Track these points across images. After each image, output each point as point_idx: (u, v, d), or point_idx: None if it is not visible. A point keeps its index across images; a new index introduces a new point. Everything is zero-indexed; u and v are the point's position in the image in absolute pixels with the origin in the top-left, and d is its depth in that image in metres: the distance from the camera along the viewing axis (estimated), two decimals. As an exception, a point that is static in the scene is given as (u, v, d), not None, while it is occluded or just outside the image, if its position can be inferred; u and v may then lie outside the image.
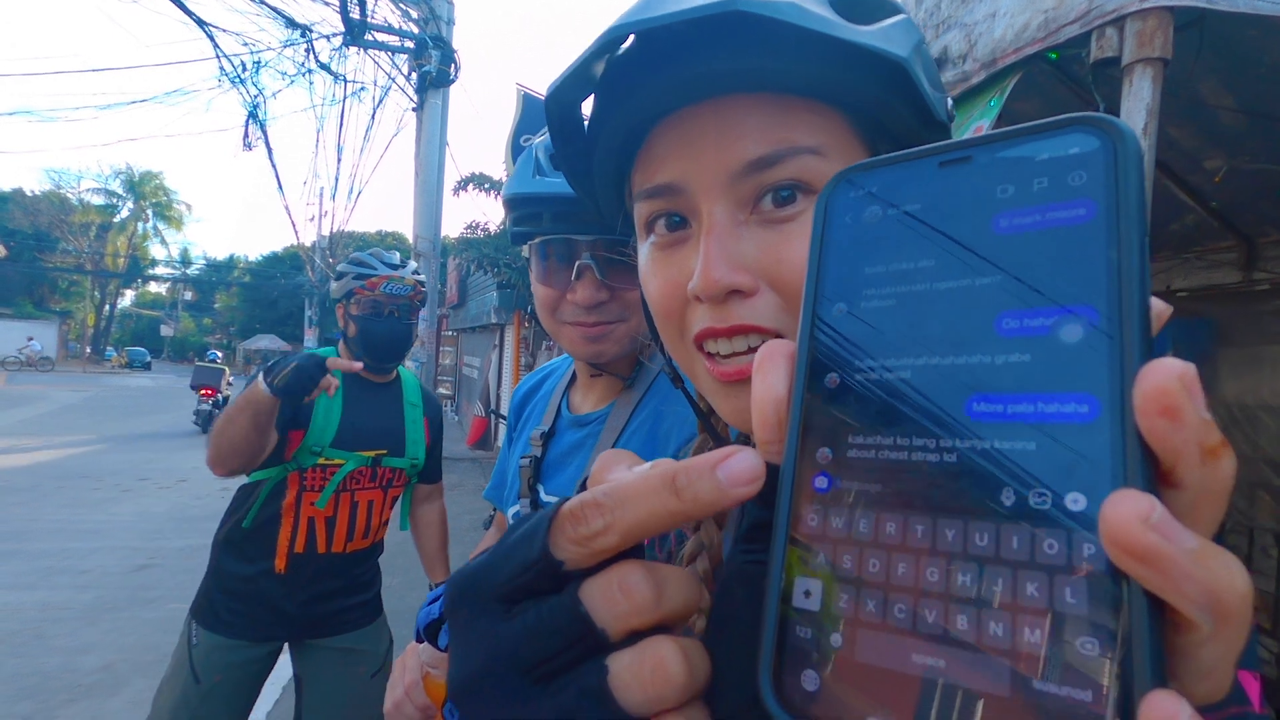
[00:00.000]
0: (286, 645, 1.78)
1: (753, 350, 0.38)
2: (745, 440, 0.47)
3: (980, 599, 0.17)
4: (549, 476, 0.96)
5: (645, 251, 0.43)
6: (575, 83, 0.40)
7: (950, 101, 0.43)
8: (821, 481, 0.21)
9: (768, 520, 0.23)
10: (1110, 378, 0.17)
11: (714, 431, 0.48)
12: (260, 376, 1.49)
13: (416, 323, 1.86)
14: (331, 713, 1.76)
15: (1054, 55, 1.31)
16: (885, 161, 0.24)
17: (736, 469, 0.21)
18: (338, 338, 1.92)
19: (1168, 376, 0.16)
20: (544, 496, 0.95)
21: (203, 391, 13.07)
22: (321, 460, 1.68)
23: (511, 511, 1.02)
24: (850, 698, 0.19)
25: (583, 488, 0.25)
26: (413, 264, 1.87)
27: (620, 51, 0.39)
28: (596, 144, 0.44)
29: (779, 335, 0.38)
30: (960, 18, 1.39)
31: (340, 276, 1.83)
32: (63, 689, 3.30)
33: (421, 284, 1.84)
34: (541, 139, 0.90)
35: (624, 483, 0.23)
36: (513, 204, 0.87)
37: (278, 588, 1.68)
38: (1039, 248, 0.19)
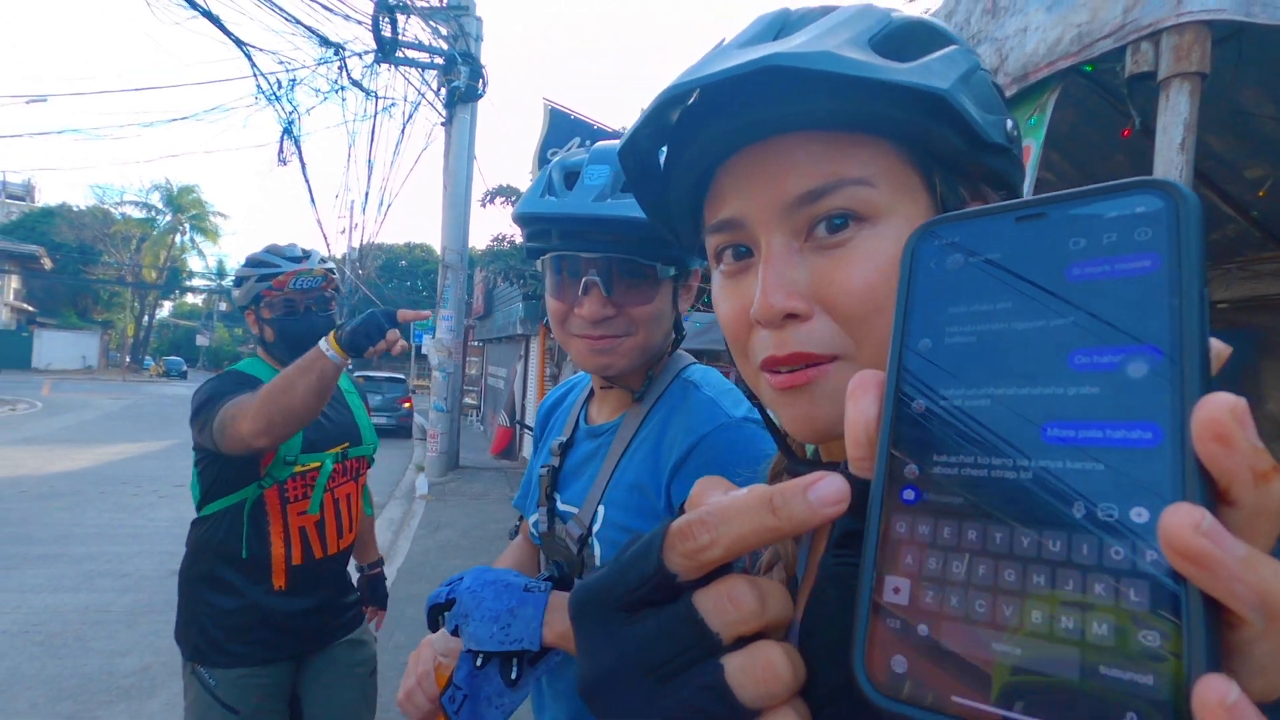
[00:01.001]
0: None
1: (810, 367, 0.42)
2: (817, 457, 0.49)
3: (1053, 597, 0.20)
4: (565, 485, 0.99)
5: (716, 280, 0.47)
6: (648, 133, 0.45)
7: (1011, 122, 0.43)
8: (909, 494, 0.23)
9: (857, 529, 0.25)
10: (1172, 408, 0.19)
11: (790, 451, 0.50)
12: (323, 342, 1.44)
13: (336, 313, 1.77)
14: (338, 715, 1.74)
15: (1089, 68, 1.30)
16: (966, 215, 0.26)
17: (825, 491, 0.24)
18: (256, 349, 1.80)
19: (1221, 408, 0.18)
20: (560, 505, 0.98)
21: None
22: (298, 468, 1.62)
23: (532, 519, 1.04)
24: (936, 679, 0.21)
25: (680, 510, 0.28)
26: (318, 253, 1.77)
27: (688, 103, 0.43)
28: (670, 184, 0.48)
29: (833, 357, 0.41)
30: (990, 32, 1.38)
31: (241, 282, 1.70)
32: (102, 690, 3.38)
33: (332, 272, 1.74)
34: (559, 157, 0.93)
35: (725, 503, 0.25)
36: (521, 222, 0.91)
37: (281, 605, 1.62)
38: (1108, 294, 0.22)
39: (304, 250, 1.76)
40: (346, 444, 1.75)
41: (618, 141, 0.92)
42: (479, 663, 0.74)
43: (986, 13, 1.40)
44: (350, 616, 1.81)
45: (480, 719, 0.75)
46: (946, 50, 0.41)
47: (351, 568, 1.89)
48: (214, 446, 1.51)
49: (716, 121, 0.42)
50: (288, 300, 1.68)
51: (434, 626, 0.79)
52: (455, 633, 0.76)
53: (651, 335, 0.92)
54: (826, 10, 0.43)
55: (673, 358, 0.98)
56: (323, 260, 1.75)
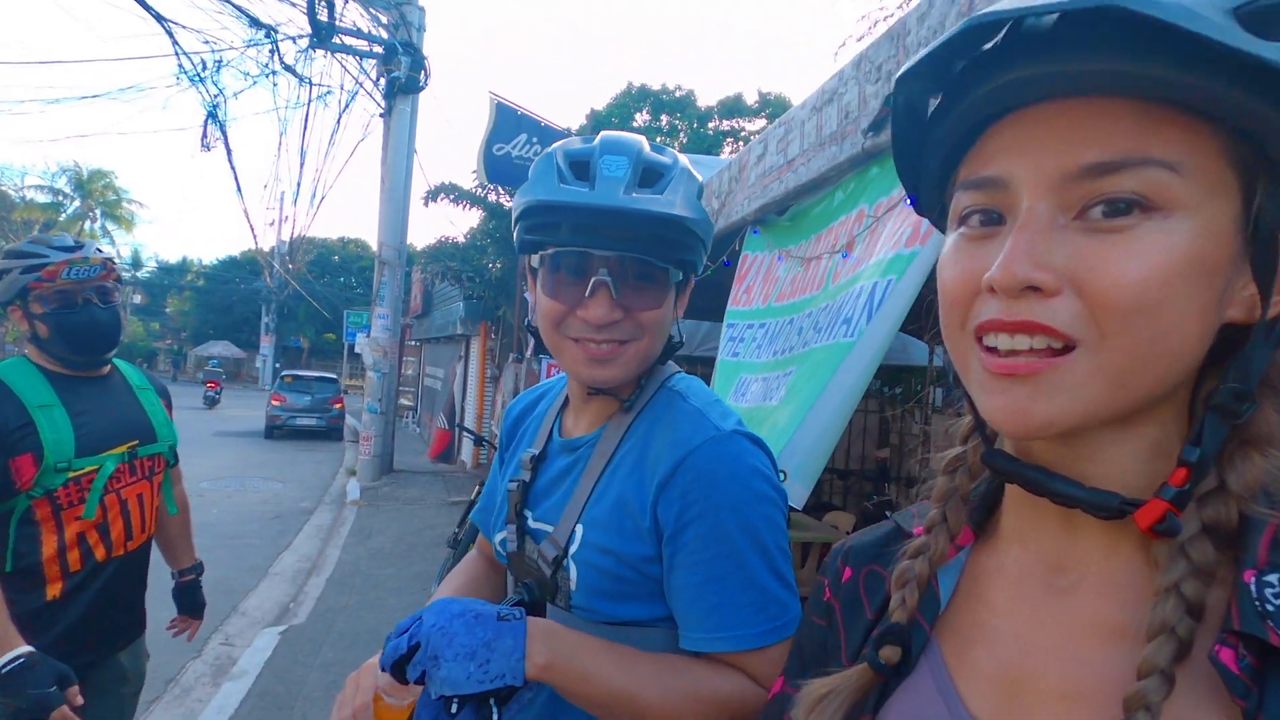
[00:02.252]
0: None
1: (1034, 351, 0.37)
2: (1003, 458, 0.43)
3: None
4: (537, 502, 0.92)
5: (951, 241, 0.43)
6: (930, 70, 0.40)
7: None
8: None
9: None
10: None
11: (985, 434, 0.46)
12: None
13: (119, 304, 1.65)
14: None
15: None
16: None
17: None
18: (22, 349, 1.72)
19: None
20: (531, 523, 0.91)
21: (209, 384, 21.12)
22: (72, 473, 1.52)
23: (498, 538, 0.96)
24: None
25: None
26: (93, 242, 1.65)
27: (984, 46, 0.39)
28: (933, 132, 0.43)
29: (1070, 342, 0.36)
30: None
31: (2, 274, 1.55)
32: None
33: (111, 260, 1.62)
34: (559, 145, 0.85)
35: None
36: (532, 211, 0.81)
37: (56, 616, 1.52)
38: None
39: (77, 240, 1.62)
40: (135, 442, 1.66)
41: (629, 134, 0.85)
42: (454, 709, 0.65)
43: (963, 15, 1.37)
44: (135, 628, 1.73)
45: None
46: None
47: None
48: None
49: (1014, 68, 0.37)
50: (61, 292, 1.54)
51: (402, 680, 0.68)
52: (421, 680, 0.66)
53: (655, 342, 0.85)
54: None
55: (661, 366, 0.92)
56: (98, 250, 1.62)
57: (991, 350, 0.39)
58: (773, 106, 17.70)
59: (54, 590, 1.52)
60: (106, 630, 1.62)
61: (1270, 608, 0.34)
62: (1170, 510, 0.37)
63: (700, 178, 0.88)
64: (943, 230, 0.46)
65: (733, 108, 20.53)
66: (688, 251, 0.84)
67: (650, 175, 0.81)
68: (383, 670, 0.70)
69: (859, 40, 7.32)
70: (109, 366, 1.72)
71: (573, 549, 0.83)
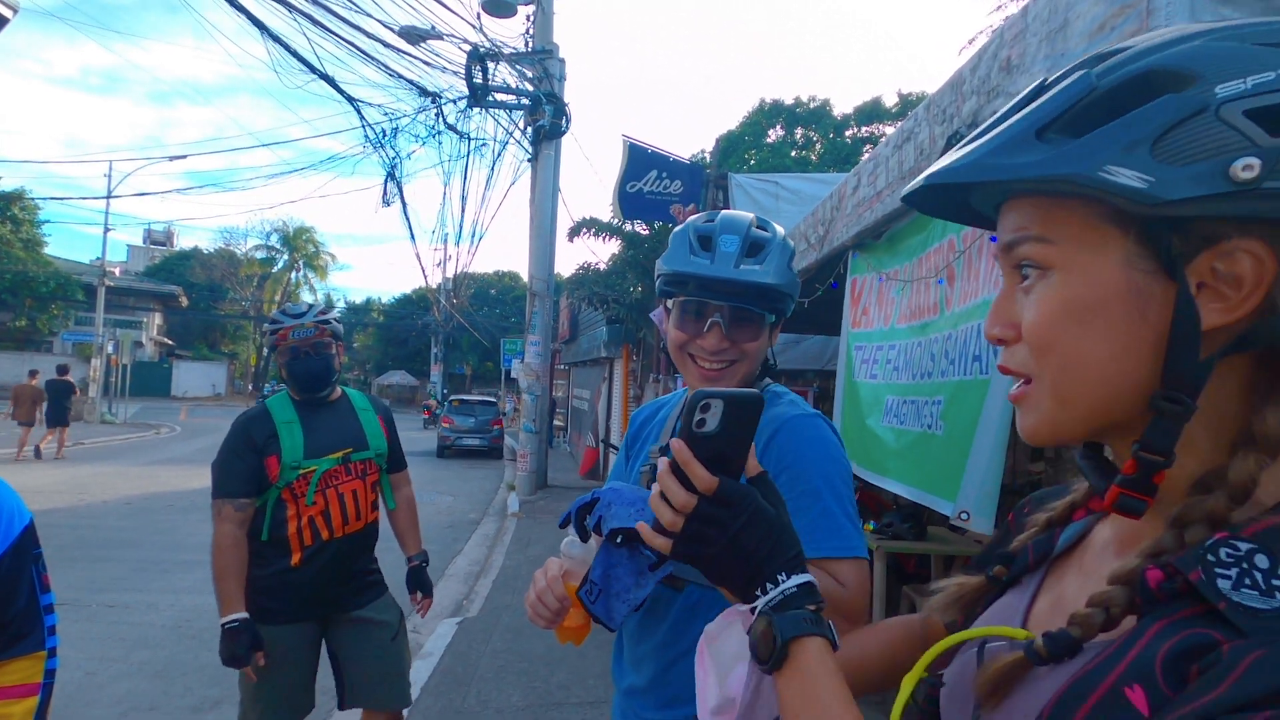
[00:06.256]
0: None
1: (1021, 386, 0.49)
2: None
3: None
4: None
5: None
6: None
7: (1248, 161, 0.39)
8: None
9: None
10: None
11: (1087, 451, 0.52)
12: (230, 617, 1.99)
13: (336, 354, 2.25)
14: (364, 669, 2.21)
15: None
16: None
17: None
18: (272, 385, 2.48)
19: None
20: None
21: (425, 412, 24.93)
22: (301, 471, 2.12)
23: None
24: None
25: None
26: (315, 307, 2.27)
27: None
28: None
29: (1025, 377, 0.48)
30: (1005, 87, 1.50)
31: (264, 335, 2.32)
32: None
33: (325, 323, 2.20)
34: (691, 220, 1.18)
35: None
36: (669, 276, 1.14)
37: (299, 577, 2.11)
38: None
39: (306, 307, 2.28)
40: (349, 450, 2.23)
41: (742, 213, 1.17)
42: (618, 540, 0.93)
43: (1002, 69, 1.52)
44: (366, 593, 2.27)
45: (610, 610, 0.96)
46: (1138, 110, 0.41)
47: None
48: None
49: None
50: (291, 348, 2.20)
51: (579, 525, 0.97)
52: (597, 528, 0.94)
53: (754, 364, 1.16)
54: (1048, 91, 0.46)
55: (761, 381, 1.21)
56: (319, 315, 2.24)
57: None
58: (914, 108, 16.78)
59: (295, 558, 2.11)
60: (333, 592, 2.19)
61: (1211, 558, 0.39)
62: (1124, 494, 0.43)
63: (792, 245, 1.17)
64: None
65: (870, 113, 19.60)
66: (777, 303, 1.14)
67: (755, 248, 1.11)
68: (568, 517, 0.97)
69: (992, 29, 7.02)
70: (337, 393, 2.32)
71: None
